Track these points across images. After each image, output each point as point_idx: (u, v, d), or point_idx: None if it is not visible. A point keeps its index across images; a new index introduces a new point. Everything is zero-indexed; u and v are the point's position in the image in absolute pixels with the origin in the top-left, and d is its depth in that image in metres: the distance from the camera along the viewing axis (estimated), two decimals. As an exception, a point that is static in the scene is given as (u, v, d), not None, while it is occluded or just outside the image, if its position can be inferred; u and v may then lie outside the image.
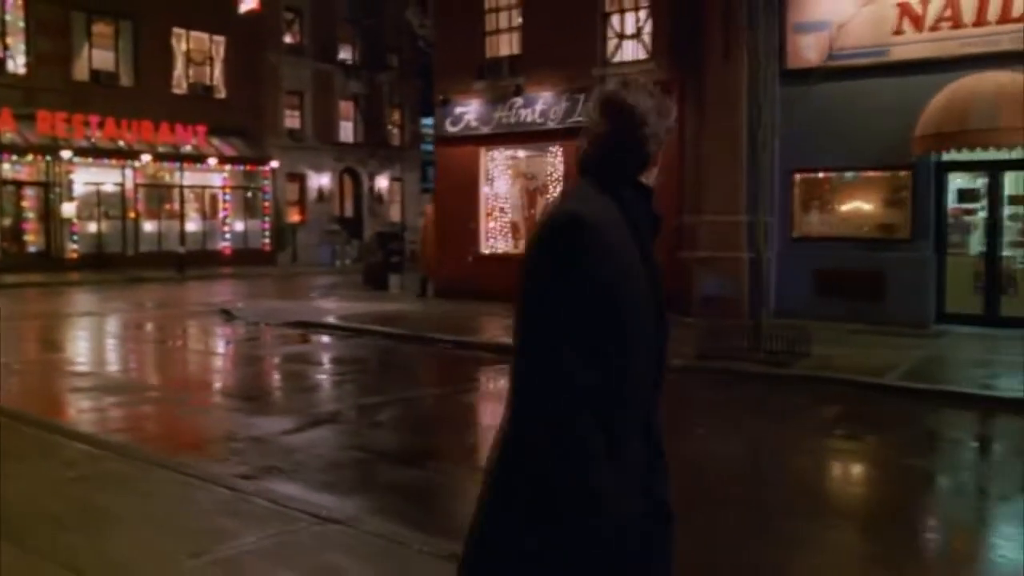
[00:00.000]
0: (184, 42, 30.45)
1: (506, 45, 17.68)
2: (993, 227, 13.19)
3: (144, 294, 21.28)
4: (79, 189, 27.05)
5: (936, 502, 6.32)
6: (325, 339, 13.79)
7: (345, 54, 35.63)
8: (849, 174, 14.18)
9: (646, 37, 15.79)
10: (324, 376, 11.25)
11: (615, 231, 1.96)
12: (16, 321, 14.78)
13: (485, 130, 17.70)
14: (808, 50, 14.03)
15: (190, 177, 29.86)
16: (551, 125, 16.55)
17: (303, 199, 34.52)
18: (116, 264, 26.93)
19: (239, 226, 31.31)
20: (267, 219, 31.96)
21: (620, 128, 2.04)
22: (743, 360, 10.78)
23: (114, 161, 27.50)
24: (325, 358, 12.62)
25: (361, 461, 6.78)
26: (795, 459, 7.27)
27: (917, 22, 13.16)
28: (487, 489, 2.02)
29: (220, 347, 13.66)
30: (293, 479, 6.09)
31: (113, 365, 11.88)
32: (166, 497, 5.29)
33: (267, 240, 31.97)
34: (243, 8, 29.69)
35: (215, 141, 30.12)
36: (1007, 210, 13.27)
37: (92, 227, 27.60)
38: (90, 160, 26.86)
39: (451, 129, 18.24)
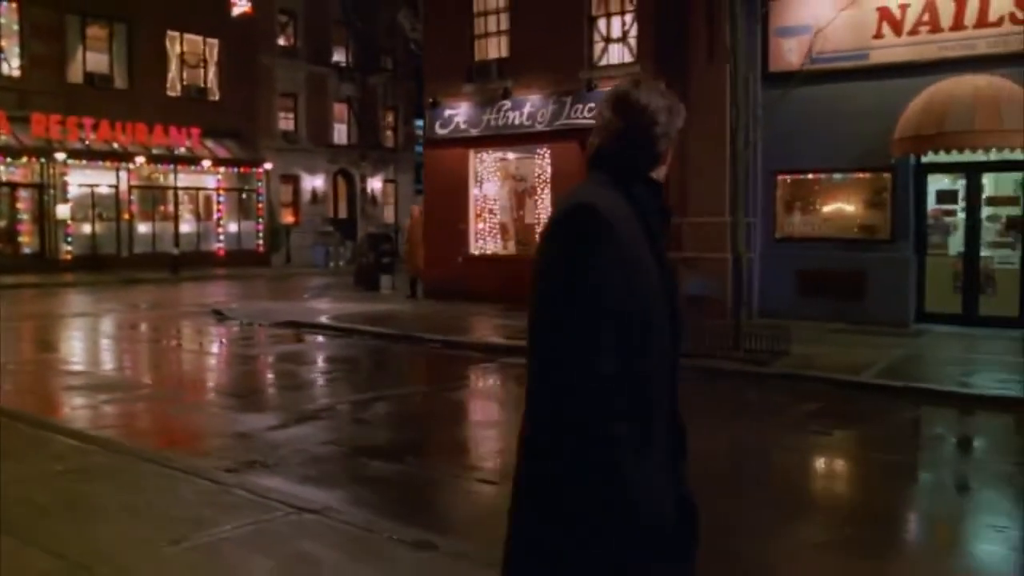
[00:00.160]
0: (178, 45, 30.65)
1: (495, 48, 17.88)
2: (972, 228, 13.41)
3: (138, 295, 21.45)
4: (73, 191, 27.23)
5: (902, 494, 6.52)
6: (315, 339, 13.98)
7: (339, 56, 35.84)
8: (831, 175, 14.39)
9: (632, 41, 15.99)
10: (312, 375, 11.43)
11: (627, 225, 1.96)
12: (10, 322, 14.94)
13: (474, 132, 17.90)
14: (790, 53, 14.25)
15: (184, 179, 30.05)
16: (539, 128, 16.77)
17: (297, 201, 34.74)
18: (110, 265, 27.10)
19: (233, 227, 31.50)
20: (261, 221, 32.15)
21: (632, 125, 2.07)
22: (724, 358, 10.97)
23: (108, 163, 27.69)
24: (314, 357, 12.80)
25: (342, 456, 6.97)
26: (767, 453, 7.46)
27: (896, 26, 13.38)
28: (518, 500, 2.00)
29: (211, 347, 13.83)
30: (275, 473, 6.28)
31: (105, 364, 12.05)
32: (150, 489, 5.47)
33: (261, 241, 32.16)
34: (236, 11, 29.90)
35: (209, 143, 30.29)
36: (986, 211, 13.49)
37: (86, 229, 27.79)
38: (84, 162, 27.05)
39: (441, 131, 18.44)
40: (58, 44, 27.25)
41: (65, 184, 26.85)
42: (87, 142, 27.01)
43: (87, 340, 14.23)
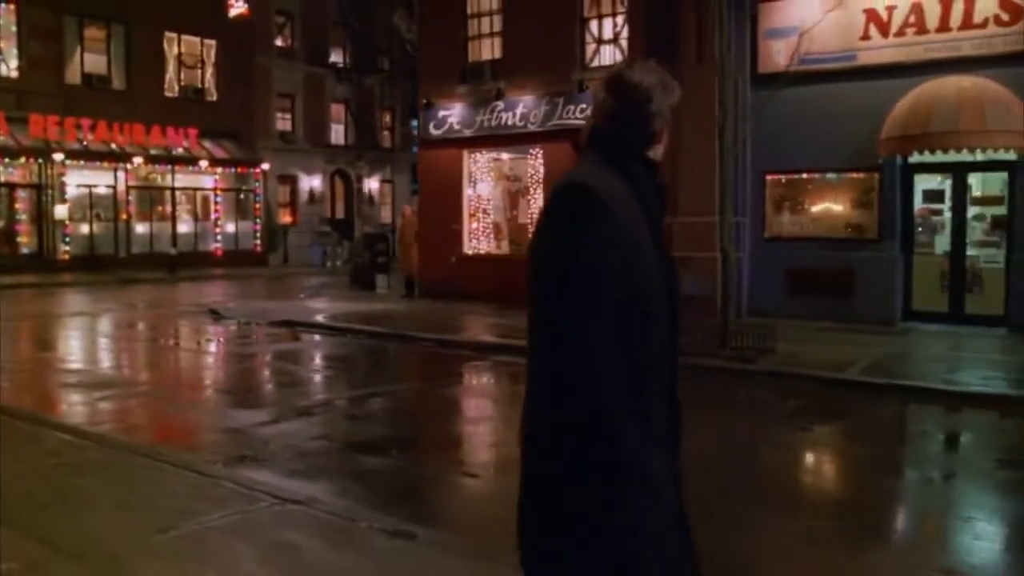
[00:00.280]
0: (176, 46, 30.80)
1: (488, 50, 18.04)
2: (958, 227, 13.58)
3: (135, 295, 21.60)
4: (71, 191, 27.39)
5: (876, 487, 6.67)
6: (309, 338, 14.13)
7: (336, 57, 36.00)
8: (820, 175, 14.55)
9: (623, 42, 16.16)
10: (305, 372, 11.58)
11: (625, 206, 1.92)
12: (9, 321, 15.08)
13: (468, 133, 18.06)
14: (779, 55, 14.39)
15: (182, 179, 30.21)
16: (531, 128, 16.93)
17: (294, 201, 34.92)
18: (108, 265, 27.27)
19: (230, 228, 31.66)
20: (258, 221, 32.31)
21: (626, 105, 2.05)
22: (711, 356, 11.12)
23: (106, 164, 27.85)
24: (307, 356, 12.95)
25: (330, 450, 7.13)
26: (747, 447, 7.61)
27: (883, 28, 13.54)
28: (521, 500, 1.99)
29: (206, 345, 13.98)
30: (264, 466, 6.43)
31: (101, 363, 12.20)
32: (140, 482, 5.63)
33: (258, 241, 32.31)
34: (233, 12, 30.06)
35: (206, 143, 30.45)
36: (972, 211, 13.67)
37: (84, 229, 27.93)
38: (82, 163, 27.21)
39: (435, 132, 18.61)
40: (56, 45, 27.41)
41: (63, 184, 27.01)
42: (85, 143, 27.18)
43: (84, 339, 14.38)
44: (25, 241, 26.65)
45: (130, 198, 28.98)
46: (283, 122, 34.52)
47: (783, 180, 14.79)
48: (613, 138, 2.06)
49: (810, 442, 7.97)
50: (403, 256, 20.10)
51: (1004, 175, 13.19)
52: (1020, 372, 10.19)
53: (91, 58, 28.60)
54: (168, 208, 30.12)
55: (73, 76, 28.09)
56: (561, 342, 1.85)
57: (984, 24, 12.71)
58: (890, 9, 13.46)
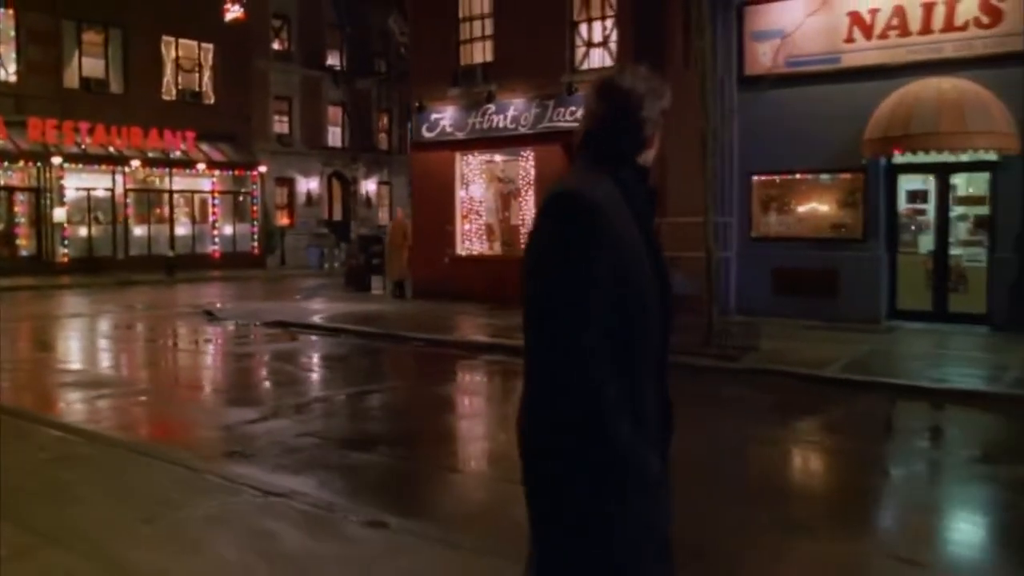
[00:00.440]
0: (173, 49, 31.02)
1: (479, 53, 18.25)
2: (941, 227, 13.76)
3: (133, 296, 21.79)
4: (70, 194, 27.63)
5: (844, 478, 6.87)
6: (303, 338, 14.32)
7: (333, 60, 36.24)
8: (805, 176, 14.73)
9: (612, 45, 16.35)
10: (296, 372, 11.75)
11: (616, 210, 1.95)
12: (8, 323, 15.29)
13: (460, 135, 18.26)
14: (765, 57, 14.60)
15: (179, 182, 30.43)
16: (522, 131, 17.13)
17: (291, 203, 35.15)
18: (106, 268, 27.49)
19: (228, 230, 31.87)
20: (256, 223, 32.53)
21: (617, 110, 2.07)
22: (695, 355, 11.30)
23: (104, 167, 28.07)
24: (299, 356, 13.12)
25: (316, 446, 7.30)
26: (722, 442, 7.79)
27: (867, 30, 13.73)
28: (529, 494, 2.00)
29: (200, 346, 14.17)
30: (251, 462, 6.62)
31: (97, 363, 12.38)
32: (128, 475, 5.83)
33: (256, 244, 32.52)
34: (229, 17, 30.29)
35: (204, 146, 30.67)
36: (955, 210, 13.85)
37: (83, 231, 28.15)
38: (80, 166, 27.45)
39: (427, 135, 18.81)
40: (54, 49, 27.63)
41: (62, 188, 27.24)
42: (83, 146, 27.41)
43: (81, 340, 14.57)
44: (24, 244, 26.88)
45: (128, 201, 29.20)
46: (280, 125, 34.76)
47: (770, 180, 14.97)
48: (604, 144, 2.08)
49: (782, 437, 8.15)
50: (389, 260, 20.22)
51: (987, 175, 13.37)
52: (998, 369, 10.38)
53: (89, 62, 28.82)
54: (166, 211, 30.34)
55: (71, 80, 28.32)
56: (555, 344, 1.88)
57: (965, 27, 12.90)
58: (873, 12, 13.65)
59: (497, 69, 17.72)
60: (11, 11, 26.79)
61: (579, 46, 16.81)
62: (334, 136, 36.92)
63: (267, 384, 10.82)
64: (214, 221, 31.37)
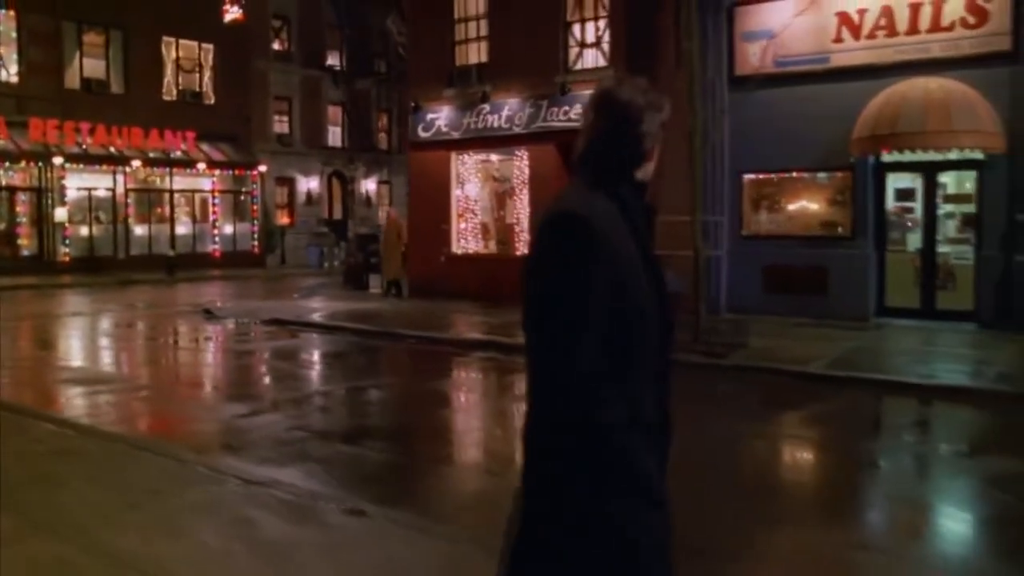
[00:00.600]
0: (174, 50, 31.21)
1: (474, 53, 18.41)
2: (930, 225, 13.91)
3: (133, 296, 21.98)
4: (71, 194, 27.82)
5: (829, 471, 7.03)
6: (299, 336, 14.49)
7: (332, 60, 36.39)
8: (795, 175, 14.87)
9: (605, 46, 16.50)
10: (291, 369, 11.93)
11: (614, 228, 1.95)
12: (9, 322, 15.49)
13: (455, 135, 18.43)
14: (755, 57, 14.75)
15: (180, 182, 30.62)
16: (517, 130, 17.29)
17: (291, 202, 35.34)
18: (107, 267, 27.69)
19: (228, 229, 32.06)
20: (256, 222, 32.71)
21: (615, 125, 2.05)
22: (684, 352, 11.45)
23: (105, 167, 28.26)
24: (295, 353, 13.29)
25: (303, 439, 7.48)
26: (706, 436, 7.95)
27: (855, 31, 13.88)
28: (524, 499, 2.02)
29: (198, 344, 14.36)
30: (238, 454, 6.81)
31: (96, 360, 12.57)
32: (118, 466, 6.01)
33: (256, 243, 32.71)
34: (228, 18, 30.50)
35: (204, 146, 30.86)
36: (943, 209, 14.00)
37: (84, 231, 28.34)
38: (81, 166, 27.64)
39: (423, 134, 18.98)
40: (55, 50, 27.83)
41: (63, 187, 27.45)
42: (84, 146, 27.61)
43: (82, 338, 14.77)
44: (26, 243, 27.08)
45: (129, 201, 29.40)
46: (280, 125, 34.96)
47: (760, 179, 15.13)
48: (603, 158, 2.06)
49: (770, 433, 8.31)
50: (384, 258, 20.34)
51: (973, 174, 13.50)
52: (983, 365, 10.54)
53: (90, 63, 29.01)
54: (166, 210, 30.55)
55: (72, 81, 28.52)
56: (555, 344, 1.89)
57: (951, 27, 13.04)
58: (861, 12, 13.80)
59: (492, 69, 17.89)
60: (12, 13, 26.98)
61: (572, 46, 16.95)
62: (334, 136, 37.10)
63: (261, 380, 11.00)
64: (214, 221, 31.57)
